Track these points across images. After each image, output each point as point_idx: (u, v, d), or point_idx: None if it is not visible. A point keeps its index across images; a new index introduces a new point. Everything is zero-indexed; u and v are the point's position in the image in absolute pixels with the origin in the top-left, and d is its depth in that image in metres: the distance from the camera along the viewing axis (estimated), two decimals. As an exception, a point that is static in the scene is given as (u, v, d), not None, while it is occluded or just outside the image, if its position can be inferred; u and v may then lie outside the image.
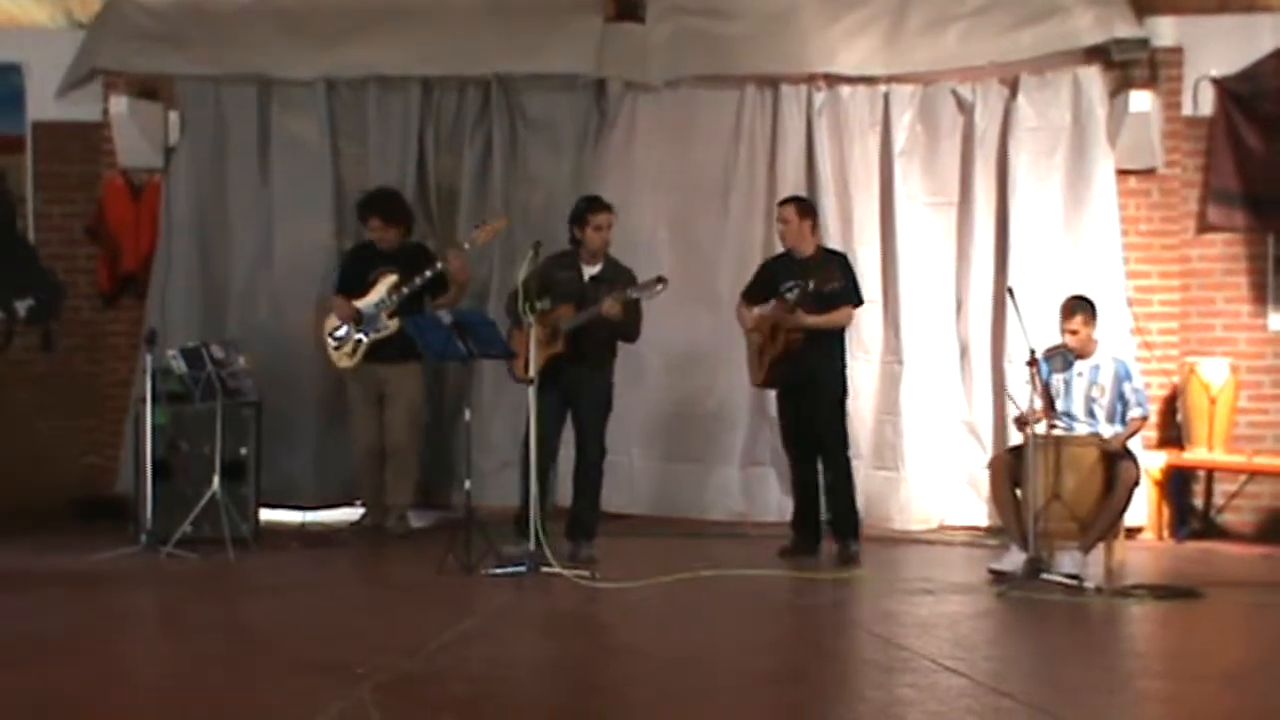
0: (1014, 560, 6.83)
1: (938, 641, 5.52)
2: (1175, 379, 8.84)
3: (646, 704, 4.61)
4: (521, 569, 6.76)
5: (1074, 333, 7.24)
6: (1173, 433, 8.84)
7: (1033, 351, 6.88)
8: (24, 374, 9.41)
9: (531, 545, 6.82)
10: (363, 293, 8.27)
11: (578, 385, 7.38)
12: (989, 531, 8.48)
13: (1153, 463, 8.49)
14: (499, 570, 6.77)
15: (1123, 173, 8.86)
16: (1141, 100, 8.61)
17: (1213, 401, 8.56)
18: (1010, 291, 7.32)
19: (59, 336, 9.50)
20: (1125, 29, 8.73)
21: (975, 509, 8.76)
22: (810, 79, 9.04)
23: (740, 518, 8.95)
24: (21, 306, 9.37)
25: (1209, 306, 9.03)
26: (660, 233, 9.10)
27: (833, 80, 9.04)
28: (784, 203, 8.01)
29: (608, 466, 7.64)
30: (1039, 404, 6.93)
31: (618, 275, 7.45)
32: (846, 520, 7.72)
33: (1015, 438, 7.86)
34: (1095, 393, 7.25)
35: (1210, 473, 8.89)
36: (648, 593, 6.52)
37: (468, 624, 5.71)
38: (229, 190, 9.28)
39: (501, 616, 6.06)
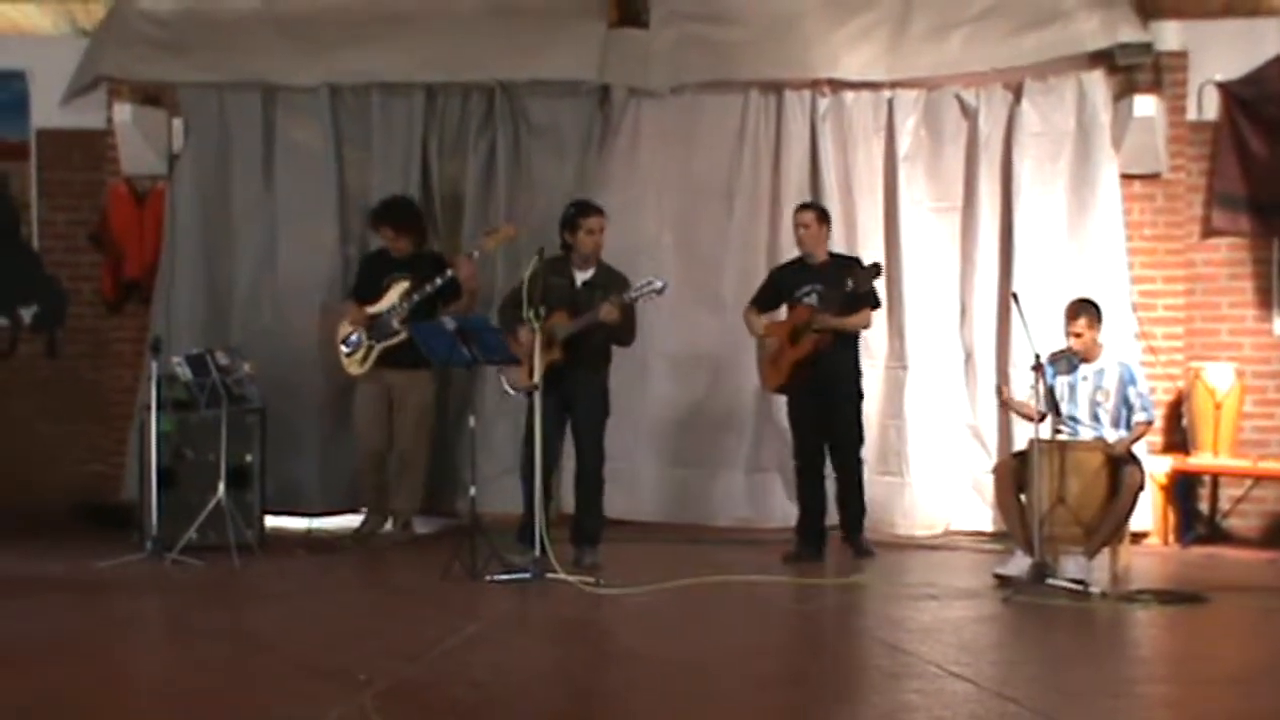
0: (1019, 565, 6.83)
1: (943, 646, 5.51)
2: (1180, 384, 8.82)
3: (649, 709, 4.61)
4: (526, 575, 6.75)
5: (1078, 335, 7.22)
6: (1178, 437, 8.82)
7: (1038, 356, 6.87)
8: (28, 380, 9.43)
9: (536, 551, 6.81)
10: (376, 299, 8.29)
11: (574, 390, 7.36)
12: (994, 536, 8.46)
13: (1158, 467, 8.46)
14: (503, 576, 6.78)
15: (1127, 177, 8.83)
16: (1146, 105, 8.59)
17: (1218, 406, 8.55)
18: (1015, 297, 7.29)
19: (63, 343, 9.53)
20: (1130, 33, 8.70)
21: (980, 514, 8.74)
22: (814, 84, 9.03)
23: (745, 523, 8.92)
24: (26, 313, 9.41)
25: (1214, 311, 9.01)
26: (665, 238, 9.08)
27: (837, 85, 9.03)
28: (804, 207, 8.05)
29: (612, 472, 7.63)
30: (1044, 407, 6.92)
31: (611, 280, 7.42)
32: (860, 520, 7.90)
33: (1020, 442, 7.86)
34: (1100, 397, 7.23)
35: (1215, 477, 8.86)
36: (652, 598, 6.51)
37: (471, 630, 5.71)
38: (233, 197, 9.28)
39: (505, 622, 6.07)
